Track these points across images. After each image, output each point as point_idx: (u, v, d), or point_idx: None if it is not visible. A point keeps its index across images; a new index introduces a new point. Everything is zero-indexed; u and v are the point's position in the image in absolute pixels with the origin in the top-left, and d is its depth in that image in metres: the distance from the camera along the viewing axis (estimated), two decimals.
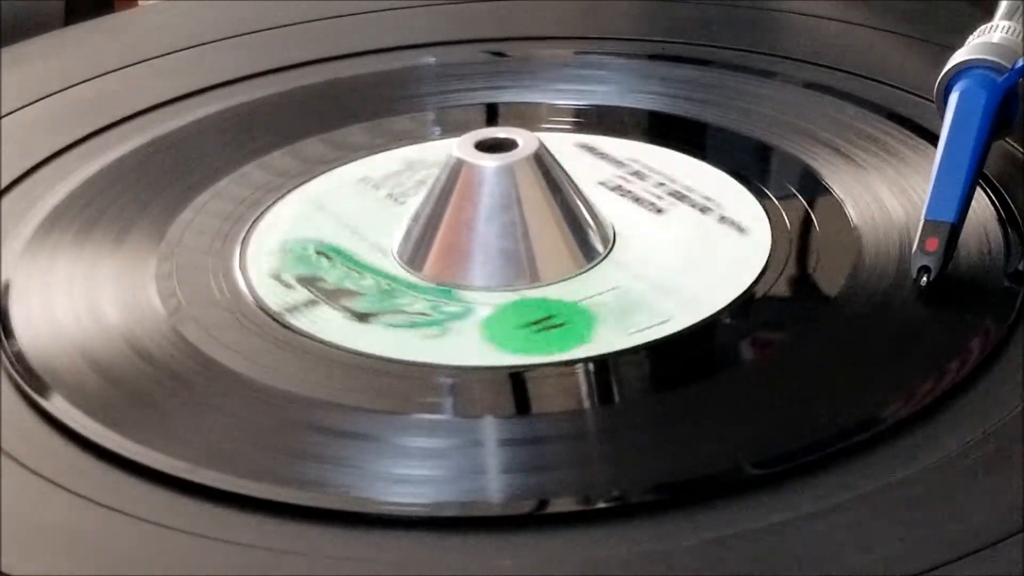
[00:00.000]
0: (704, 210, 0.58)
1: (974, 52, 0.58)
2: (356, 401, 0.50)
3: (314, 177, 0.62)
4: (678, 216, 0.58)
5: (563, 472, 0.47)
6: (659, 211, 0.58)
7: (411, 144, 0.64)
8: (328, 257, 0.57)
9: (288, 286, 0.56)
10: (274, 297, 0.55)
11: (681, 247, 0.57)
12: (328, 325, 0.53)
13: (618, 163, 0.61)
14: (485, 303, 0.54)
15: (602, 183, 0.60)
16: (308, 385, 0.51)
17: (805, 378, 0.51)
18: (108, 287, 0.56)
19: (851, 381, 0.50)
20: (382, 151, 0.64)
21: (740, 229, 0.57)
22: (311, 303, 0.55)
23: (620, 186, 0.60)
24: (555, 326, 0.52)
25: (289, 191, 0.61)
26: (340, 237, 0.58)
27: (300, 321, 0.54)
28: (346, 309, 0.54)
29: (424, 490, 0.47)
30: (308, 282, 0.56)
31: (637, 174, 0.61)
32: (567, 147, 0.62)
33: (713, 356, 0.53)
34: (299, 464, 0.48)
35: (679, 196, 0.59)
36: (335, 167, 0.63)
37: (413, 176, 0.61)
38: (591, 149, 0.63)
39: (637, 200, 0.59)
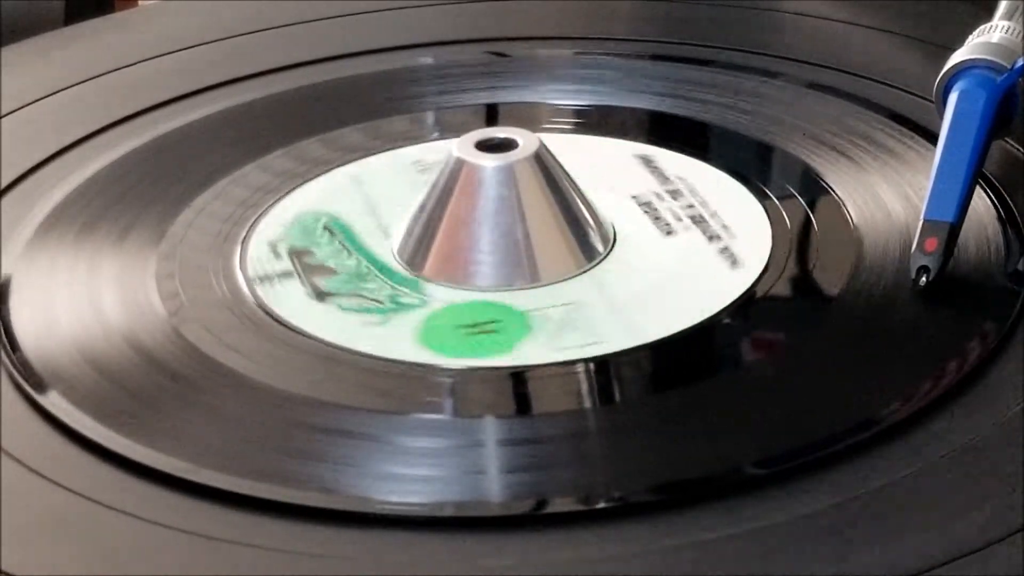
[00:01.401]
0: (712, 238, 0.58)
1: (973, 52, 0.58)
2: (356, 401, 0.50)
3: (314, 177, 0.62)
4: (683, 239, 0.58)
5: (562, 472, 0.47)
6: (669, 232, 0.58)
7: (411, 144, 0.64)
8: (331, 232, 0.57)
9: (277, 256, 0.56)
10: (256, 264, 0.56)
11: (676, 260, 0.56)
12: (287, 299, 0.54)
13: (664, 179, 0.61)
14: (443, 299, 0.54)
15: (635, 196, 0.60)
16: (308, 385, 0.51)
17: (805, 378, 0.51)
18: (108, 287, 0.56)
19: (851, 381, 0.50)
20: (382, 151, 0.64)
21: (735, 262, 0.56)
22: (285, 275, 0.55)
23: (650, 202, 0.60)
24: (487, 332, 0.53)
25: (289, 191, 0.61)
26: (355, 215, 0.59)
27: (264, 292, 0.55)
28: (313, 286, 0.55)
29: (424, 490, 0.47)
30: (296, 254, 0.56)
31: (662, 188, 0.60)
32: (624, 157, 0.62)
33: (713, 356, 0.53)
34: (299, 464, 0.48)
35: (697, 220, 0.59)
36: (335, 167, 0.63)
37: None
38: (647, 161, 0.62)
39: (656, 218, 0.59)
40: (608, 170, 0.62)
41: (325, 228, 0.58)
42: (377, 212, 0.59)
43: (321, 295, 0.54)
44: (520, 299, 0.54)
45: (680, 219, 0.58)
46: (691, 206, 0.59)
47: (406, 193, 0.59)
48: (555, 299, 0.54)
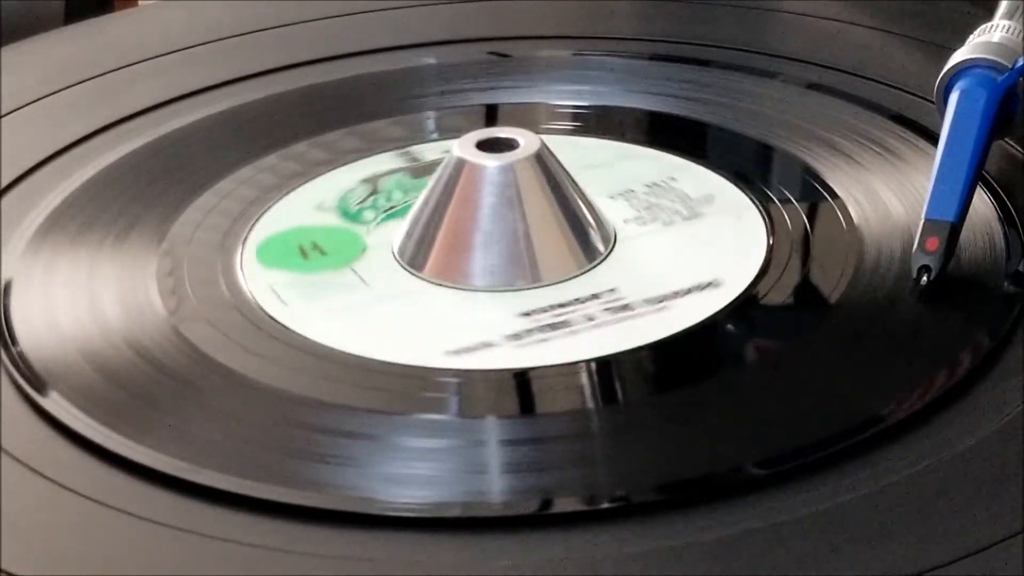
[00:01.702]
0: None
1: (974, 51, 0.58)
2: (356, 401, 0.50)
3: (314, 177, 0.62)
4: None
5: (564, 472, 0.47)
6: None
7: (411, 145, 0.64)
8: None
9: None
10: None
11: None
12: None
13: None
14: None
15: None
16: (308, 385, 0.51)
17: (806, 378, 0.51)
18: (108, 287, 0.56)
19: (851, 381, 0.50)
20: (382, 151, 0.64)
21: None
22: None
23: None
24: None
25: (289, 191, 0.61)
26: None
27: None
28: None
29: (425, 490, 0.47)
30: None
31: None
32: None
33: (714, 356, 0.53)
34: (299, 464, 0.48)
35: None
36: (335, 167, 0.63)
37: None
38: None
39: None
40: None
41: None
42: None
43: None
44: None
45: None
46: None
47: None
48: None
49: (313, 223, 0.59)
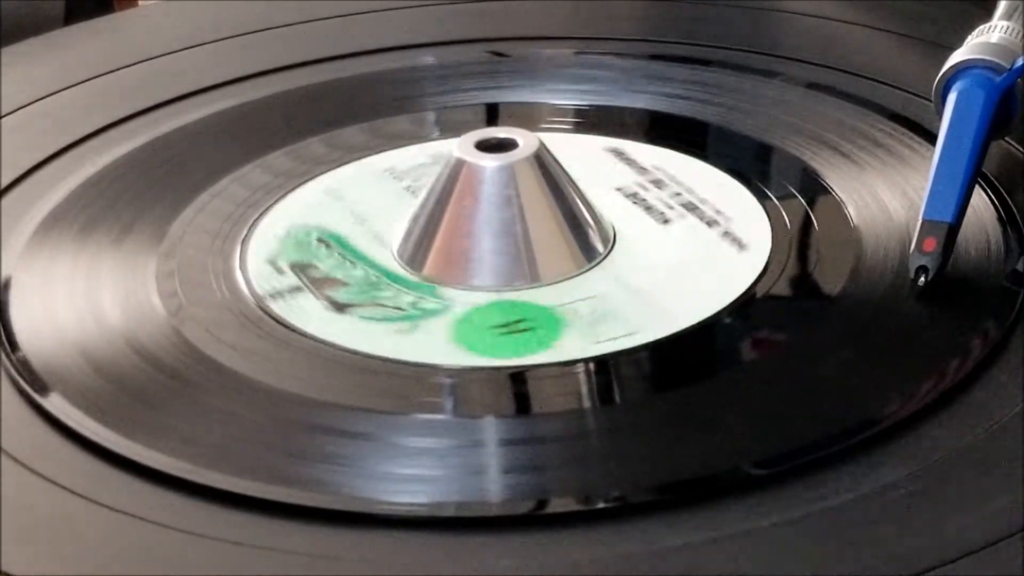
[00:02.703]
0: (711, 223, 0.58)
1: (972, 52, 0.58)
2: (356, 401, 0.50)
3: (313, 177, 0.62)
4: (683, 227, 0.58)
5: (562, 472, 0.47)
6: (666, 221, 0.58)
7: (412, 145, 0.64)
8: (327, 245, 0.57)
9: (280, 271, 0.56)
10: (262, 282, 0.55)
11: (677, 257, 0.56)
12: (304, 314, 0.54)
13: (641, 169, 0.61)
14: (464, 302, 0.54)
15: (619, 188, 0.60)
16: (308, 385, 0.51)
17: (805, 378, 0.51)
18: (108, 287, 0.56)
19: (851, 381, 0.50)
20: (382, 151, 0.64)
21: (741, 245, 0.56)
22: (295, 290, 0.55)
23: (636, 193, 0.60)
24: (522, 330, 0.53)
25: (289, 191, 0.61)
26: (345, 226, 0.59)
27: (279, 307, 0.54)
28: (328, 298, 0.54)
29: (424, 490, 0.47)
30: (300, 269, 0.56)
31: (657, 182, 0.60)
32: (595, 150, 0.63)
33: (713, 356, 0.53)
34: (299, 464, 0.48)
35: (690, 207, 0.59)
36: (334, 167, 0.63)
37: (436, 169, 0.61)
38: (619, 153, 0.63)
39: (648, 209, 0.59)
40: (608, 170, 0.62)
41: (320, 241, 0.58)
42: (367, 221, 0.59)
43: (340, 307, 0.54)
44: (553, 295, 0.54)
45: (680, 219, 0.58)
46: (691, 207, 0.59)
47: (390, 201, 0.60)
48: (589, 291, 0.54)
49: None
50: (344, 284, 0.55)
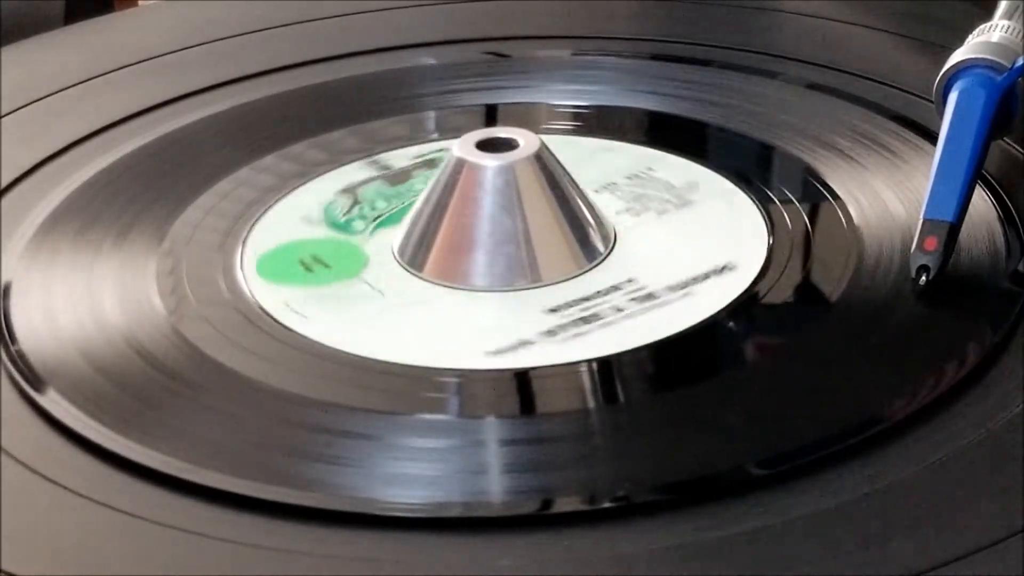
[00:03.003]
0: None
1: (973, 51, 0.58)
2: (356, 401, 0.50)
3: (313, 177, 0.62)
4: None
5: (564, 472, 0.47)
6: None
7: (412, 145, 0.64)
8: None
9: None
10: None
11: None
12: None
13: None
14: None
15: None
16: (309, 385, 0.51)
17: (806, 378, 0.51)
18: (108, 287, 0.56)
19: (851, 381, 0.50)
20: (382, 151, 0.64)
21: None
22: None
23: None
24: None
25: (289, 191, 0.61)
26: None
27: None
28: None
29: (425, 490, 0.47)
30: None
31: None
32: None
33: (715, 356, 0.53)
34: (299, 464, 0.48)
35: (690, 207, 0.59)
36: (335, 167, 0.63)
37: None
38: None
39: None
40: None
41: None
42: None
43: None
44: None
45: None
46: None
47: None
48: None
49: (306, 236, 0.58)
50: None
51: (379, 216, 0.59)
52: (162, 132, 0.65)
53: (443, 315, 0.54)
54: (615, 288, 0.54)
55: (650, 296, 0.54)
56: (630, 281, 0.55)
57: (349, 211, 0.59)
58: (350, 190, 0.61)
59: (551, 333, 0.52)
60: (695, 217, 0.59)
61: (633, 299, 0.54)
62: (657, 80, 0.67)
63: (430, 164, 0.62)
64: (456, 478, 0.47)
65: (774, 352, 0.53)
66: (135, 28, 0.78)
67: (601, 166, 0.62)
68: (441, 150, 0.62)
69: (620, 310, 0.53)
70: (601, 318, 0.53)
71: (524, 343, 0.52)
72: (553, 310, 0.53)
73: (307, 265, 0.57)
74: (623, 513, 0.45)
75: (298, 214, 0.60)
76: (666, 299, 0.54)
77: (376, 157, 0.63)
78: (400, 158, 0.63)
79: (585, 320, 0.53)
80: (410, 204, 0.58)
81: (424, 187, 0.58)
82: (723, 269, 0.55)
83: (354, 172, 0.62)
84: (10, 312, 0.55)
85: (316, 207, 0.60)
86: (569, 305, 0.54)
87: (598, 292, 0.54)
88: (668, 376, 0.52)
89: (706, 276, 0.55)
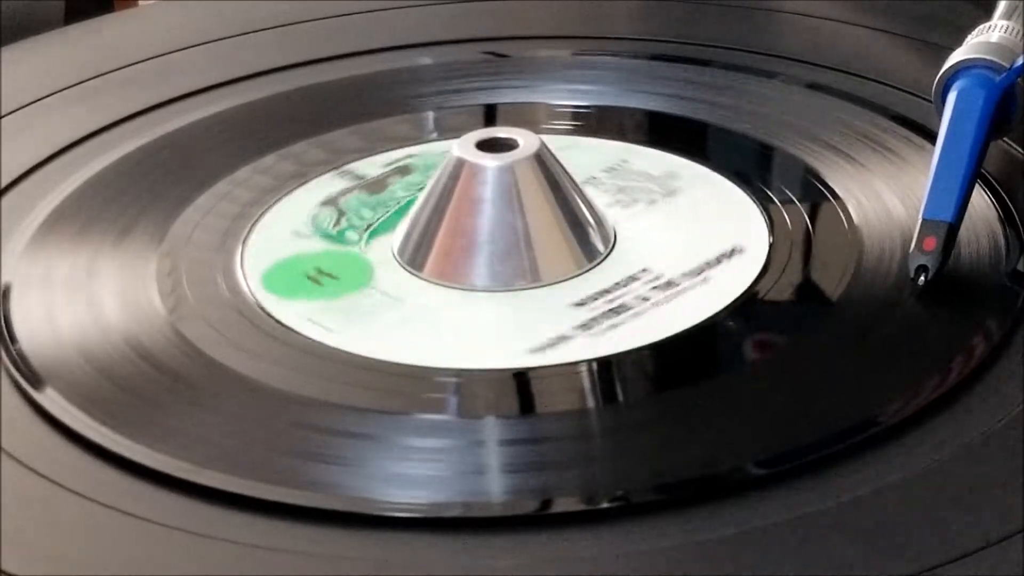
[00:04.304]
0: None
1: (972, 51, 0.58)
2: (356, 401, 0.50)
3: (313, 178, 0.62)
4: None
5: (563, 472, 0.47)
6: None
7: (411, 145, 0.64)
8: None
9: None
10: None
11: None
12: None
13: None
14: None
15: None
16: (308, 385, 0.51)
17: (806, 378, 0.51)
18: (108, 287, 0.56)
19: (851, 381, 0.50)
20: (381, 152, 0.64)
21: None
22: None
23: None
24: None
25: (288, 191, 0.61)
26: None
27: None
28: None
29: (425, 490, 0.47)
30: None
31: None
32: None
33: (714, 356, 0.53)
34: (299, 464, 0.48)
35: (690, 207, 0.59)
36: (334, 167, 0.63)
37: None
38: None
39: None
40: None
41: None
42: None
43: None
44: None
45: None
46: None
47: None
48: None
49: (305, 250, 0.58)
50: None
51: (370, 225, 0.59)
52: (162, 132, 0.65)
53: (470, 317, 0.54)
54: (633, 279, 0.55)
55: (670, 284, 0.54)
56: (645, 271, 0.55)
57: (338, 222, 0.59)
58: (331, 201, 0.61)
59: (585, 327, 0.52)
60: (686, 205, 0.59)
61: (655, 287, 0.54)
62: (657, 80, 0.67)
63: (403, 171, 0.62)
64: (455, 478, 0.47)
65: (774, 352, 0.53)
66: (135, 28, 0.78)
67: (600, 166, 0.62)
68: (409, 156, 0.62)
69: (646, 299, 0.53)
70: (630, 308, 0.53)
71: (562, 338, 0.52)
72: (579, 304, 0.53)
73: (315, 279, 0.56)
74: (622, 513, 0.45)
75: (287, 228, 0.59)
76: (685, 285, 0.54)
77: (345, 168, 0.63)
78: (369, 166, 0.63)
79: (615, 311, 0.53)
80: (397, 211, 0.58)
81: (405, 193, 0.58)
82: (732, 252, 0.56)
83: (328, 183, 0.62)
84: (10, 312, 0.55)
85: (304, 220, 0.60)
86: (593, 298, 0.54)
87: (617, 284, 0.54)
88: (668, 376, 0.52)
89: (718, 260, 0.55)
